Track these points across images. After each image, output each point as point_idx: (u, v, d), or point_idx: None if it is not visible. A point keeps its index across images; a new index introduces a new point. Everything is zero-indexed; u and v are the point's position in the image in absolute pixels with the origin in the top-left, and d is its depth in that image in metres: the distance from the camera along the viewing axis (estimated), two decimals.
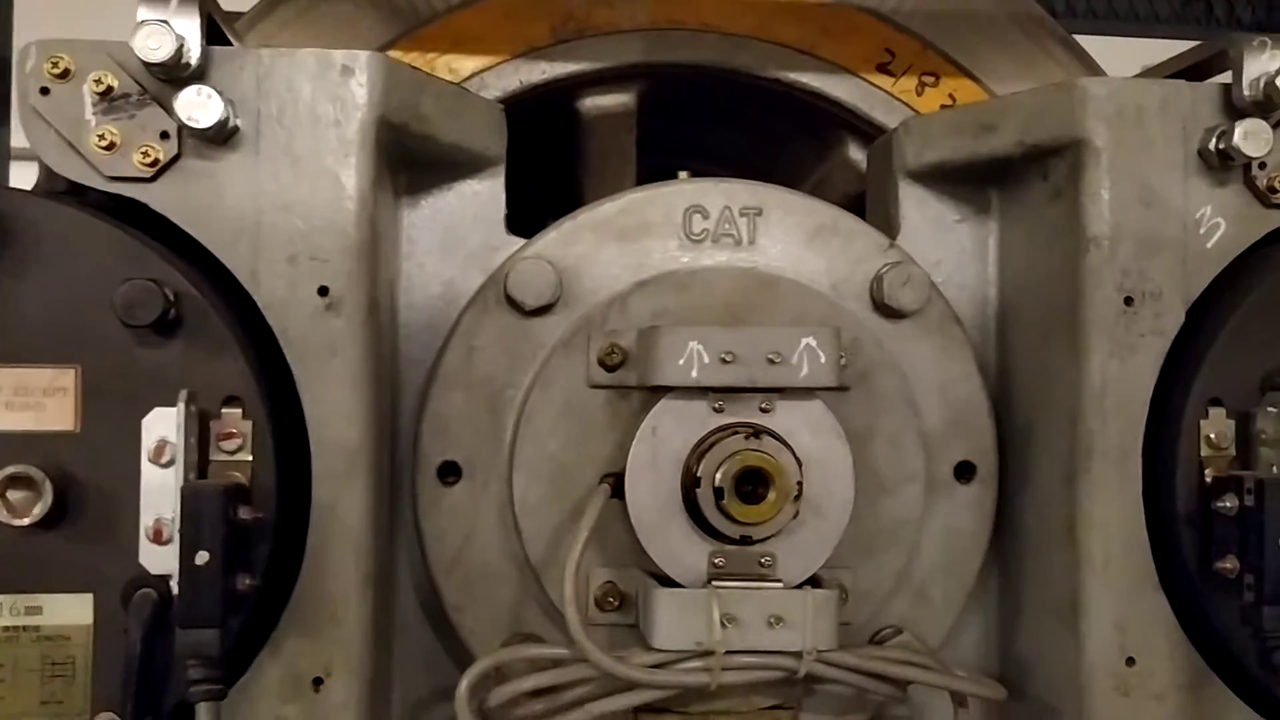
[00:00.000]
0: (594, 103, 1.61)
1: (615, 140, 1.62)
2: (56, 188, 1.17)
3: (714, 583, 1.13)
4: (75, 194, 1.14)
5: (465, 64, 1.50)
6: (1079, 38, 1.69)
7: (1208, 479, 1.16)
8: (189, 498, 0.98)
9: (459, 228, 1.31)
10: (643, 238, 1.28)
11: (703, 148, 1.86)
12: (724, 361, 1.12)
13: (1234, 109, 1.19)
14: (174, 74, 1.07)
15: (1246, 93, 1.17)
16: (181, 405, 1.01)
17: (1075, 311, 1.20)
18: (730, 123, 1.76)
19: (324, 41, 1.47)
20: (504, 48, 1.51)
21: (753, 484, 1.12)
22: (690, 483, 1.13)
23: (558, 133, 1.63)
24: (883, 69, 1.55)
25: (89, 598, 1.05)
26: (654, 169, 1.70)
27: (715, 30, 1.55)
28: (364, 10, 1.50)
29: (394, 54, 1.49)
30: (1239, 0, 2.02)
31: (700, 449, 1.14)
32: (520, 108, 1.52)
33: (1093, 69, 1.61)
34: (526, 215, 1.38)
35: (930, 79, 1.56)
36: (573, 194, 1.72)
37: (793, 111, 1.63)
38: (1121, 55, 1.79)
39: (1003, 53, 1.58)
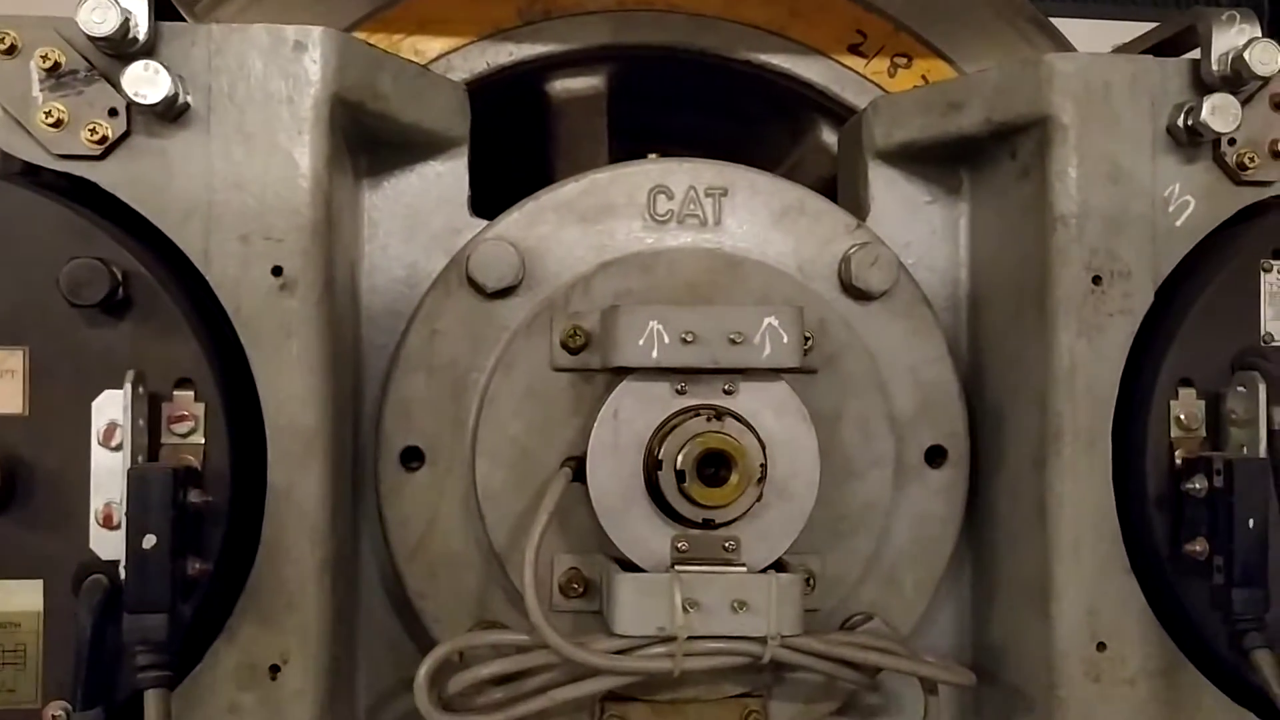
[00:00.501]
0: (563, 85, 1.59)
1: (586, 123, 1.60)
2: (11, 169, 1.15)
3: (677, 567, 1.11)
4: (30, 174, 1.13)
5: (431, 45, 1.48)
6: (1055, 20, 1.68)
7: (1178, 461, 1.14)
8: (135, 480, 0.96)
9: (422, 210, 1.29)
10: (606, 219, 1.26)
11: (676, 132, 1.84)
12: (685, 342, 1.10)
13: (1203, 84, 1.17)
14: (121, 49, 1.05)
15: (1215, 68, 1.16)
16: (128, 386, 0.99)
17: (1044, 291, 1.18)
18: (703, 106, 1.74)
19: (287, 18, 1.42)
20: (470, 29, 1.49)
21: (715, 467, 1.10)
22: (652, 465, 1.11)
23: (528, 116, 1.61)
24: (854, 50, 1.54)
25: (39, 584, 1.03)
26: (627, 152, 1.68)
27: (683, 11, 1.53)
28: None
29: (358, 35, 1.47)
30: None
31: (662, 431, 1.12)
32: (489, 91, 1.51)
33: (1067, 50, 1.60)
34: (498, 200, 1.36)
35: (903, 60, 1.54)
36: (544, 178, 1.70)
37: (765, 94, 1.61)
38: (1098, 37, 1.77)
39: (976, 34, 1.56)
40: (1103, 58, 1.21)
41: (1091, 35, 1.77)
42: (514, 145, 1.61)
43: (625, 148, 1.67)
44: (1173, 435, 1.15)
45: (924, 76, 1.54)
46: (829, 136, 1.62)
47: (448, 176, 1.30)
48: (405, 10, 1.48)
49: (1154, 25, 1.34)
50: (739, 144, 1.82)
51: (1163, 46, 1.26)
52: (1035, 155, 1.21)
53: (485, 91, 1.47)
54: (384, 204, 1.29)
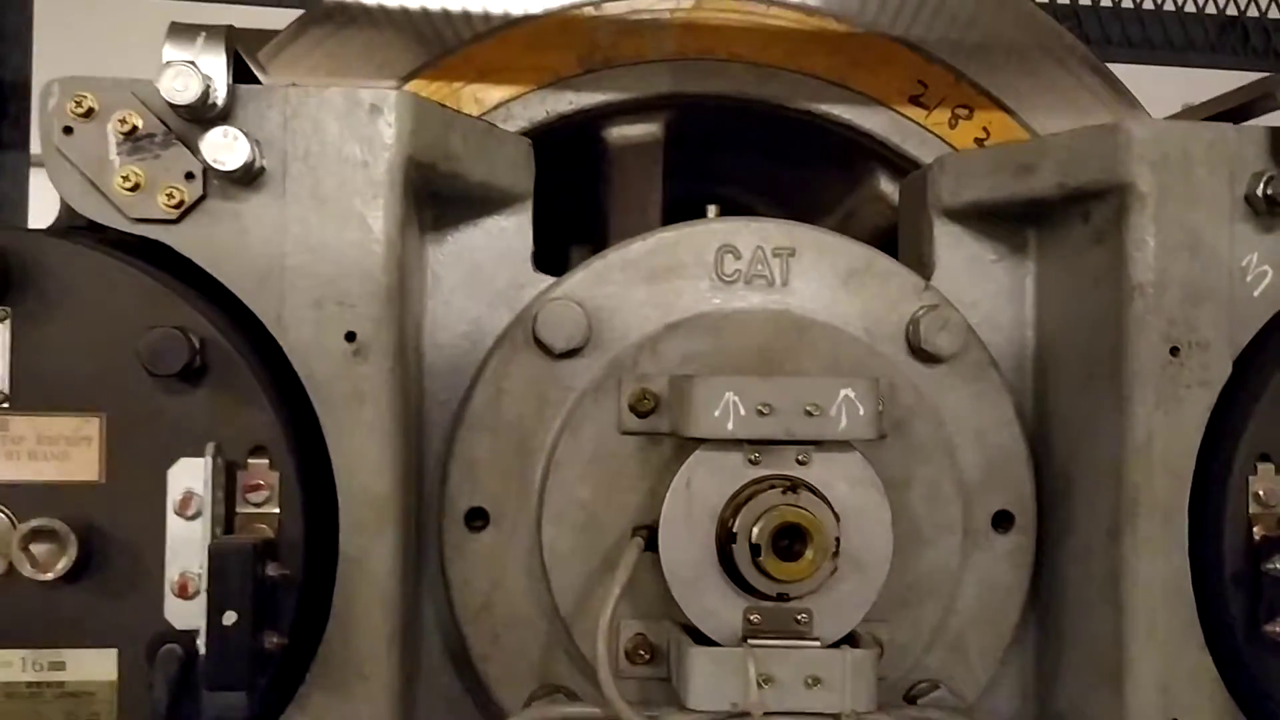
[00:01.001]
0: (621, 132, 1.58)
1: (642, 170, 1.60)
2: (77, 222, 1.15)
3: (749, 640, 1.10)
4: (95, 229, 1.12)
5: (491, 94, 1.48)
6: (1114, 66, 1.67)
7: (1256, 537, 1.13)
8: (217, 556, 0.96)
9: (485, 265, 1.28)
10: (673, 278, 1.25)
11: (729, 174, 1.83)
12: (761, 413, 1.09)
13: None
14: (200, 114, 1.04)
15: None
16: (209, 459, 0.99)
17: (1119, 360, 1.17)
18: (759, 151, 1.73)
19: (347, 71, 1.44)
20: (530, 78, 1.48)
21: (790, 539, 1.09)
22: (725, 538, 1.10)
23: (583, 160, 1.61)
24: (915, 101, 1.53)
25: (113, 653, 1.02)
26: (679, 195, 1.68)
27: (743, 60, 1.52)
28: (387, 39, 1.47)
29: (419, 83, 1.47)
30: (1275, 28, 2.00)
31: (736, 502, 1.11)
32: (546, 137, 1.50)
33: (1128, 99, 1.59)
34: (549, 244, 1.35)
35: (964, 111, 1.53)
36: (597, 222, 1.70)
37: (822, 142, 1.60)
38: (1157, 84, 1.76)
39: (1037, 84, 1.55)
40: (1180, 125, 1.19)
41: (1153, 82, 1.76)
42: (568, 190, 1.61)
43: (676, 189, 1.67)
44: (1251, 511, 1.14)
45: (985, 128, 1.53)
46: (886, 186, 1.61)
47: (511, 231, 1.29)
48: (465, 58, 1.47)
49: (1208, 71, 1.33)
50: (792, 188, 1.83)
51: (1236, 111, 1.24)
52: (1111, 221, 1.19)
53: (543, 138, 1.47)
54: (447, 259, 1.28)
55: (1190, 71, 1.96)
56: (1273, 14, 2.00)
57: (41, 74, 1.72)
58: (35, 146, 1.66)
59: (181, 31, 1.04)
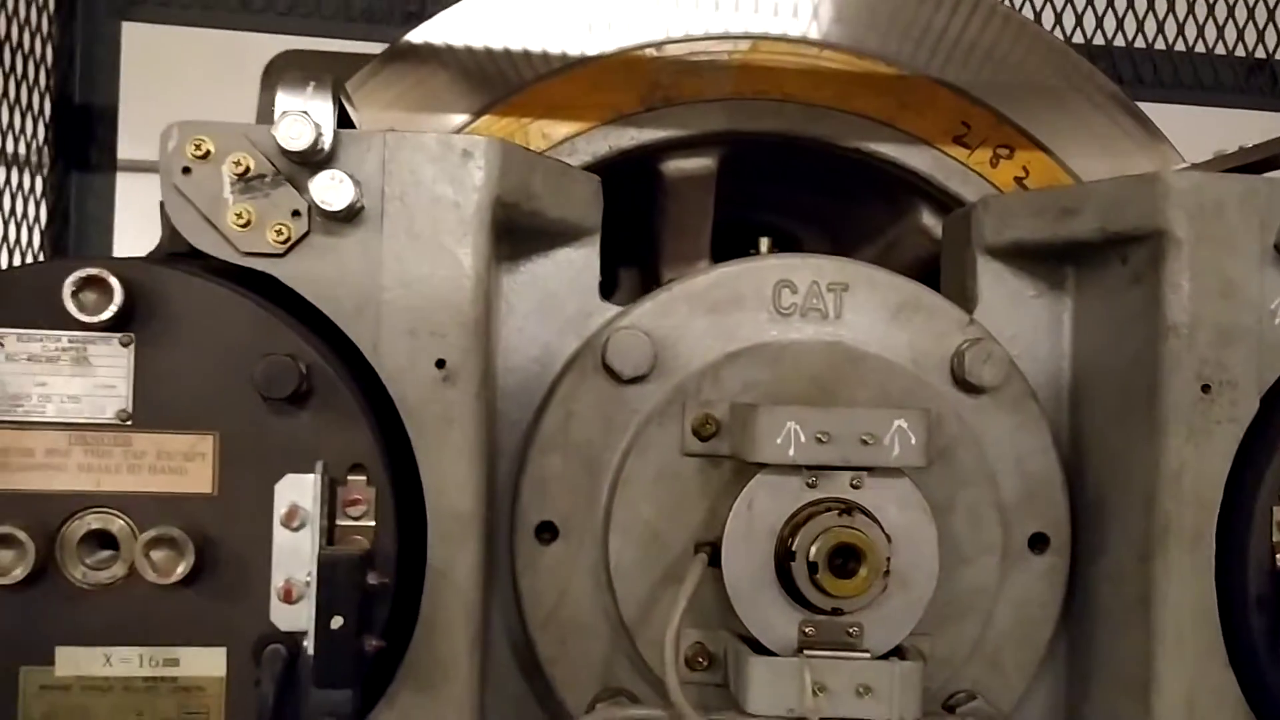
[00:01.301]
0: (677, 165, 1.67)
1: (695, 200, 1.68)
2: (177, 249, 1.24)
3: (804, 651, 1.18)
4: (194, 257, 1.21)
5: (558, 129, 1.56)
6: (1147, 105, 1.75)
7: (1279, 564, 1.21)
8: (327, 565, 1.05)
9: (556, 294, 1.36)
10: (734, 310, 1.34)
11: (775, 203, 1.92)
12: (819, 441, 1.18)
13: None
14: (308, 158, 1.13)
15: None
16: (318, 476, 1.08)
17: (1154, 395, 1.25)
18: (807, 183, 1.81)
19: (425, 105, 1.54)
20: (594, 114, 1.57)
21: (844, 558, 1.17)
22: (784, 555, 1.18)
23: (640, 191, 1.69)
24: (959, 141, 1.61)
25: (223, 652, 1.12)
26: (728, 220, 1.77)
27: (796, 100, 1.60)
28: (461, 76, 1.56)
29: (490, 118, 1.55)
30: None
31: (794, 522, 1.19)
32: (607, 169, 1.59)
33: (1159, 138, 1.66)
34: (606, 268, 1.44)
35: (1005, 151, 1.61)
36: (648, 246, 1.79)
37: (868, 177, 1.68)
38: (1188, 123, 1.84)
39: (1073, 125, 1.63)
40: (1215, 176, 1.27)
41: (1177, 121, 1.84)
42: (621, 217, 1.69)
43: (725, 215, 1.76)
44: (1275, 540, 1.22)
45: (1025, 168, 1.61)
46: (929, 219, 1.69)
47: (580, 263, 1.38)
48: (533, 96, 1.56)
49: (1236, 111, 1.41)
50: (837, 218, 1.91)
51: (1266, 162, 1.32)
52: (1148, 264, 1.27)
53: (605, 170, 1.56)
54: (520, 287, 1.36)
55: (1220, 111, 2.04)
56: None
57: (127, 101, 1.83)
58: (124, 151, 1.78)
59: (293, 81, 1.13)
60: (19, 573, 1.08)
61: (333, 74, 1.23)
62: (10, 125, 1.70)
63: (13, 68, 1.69)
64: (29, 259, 1.75)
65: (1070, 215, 1.34)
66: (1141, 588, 1.26)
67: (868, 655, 1.19)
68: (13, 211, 1.70)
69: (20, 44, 1.70)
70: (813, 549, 1.16)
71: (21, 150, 1.70)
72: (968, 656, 1.33)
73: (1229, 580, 1.23)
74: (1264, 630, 1.21)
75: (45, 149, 1.74)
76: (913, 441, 1.18)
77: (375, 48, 1.95)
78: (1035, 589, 1.35)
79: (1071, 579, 1.36)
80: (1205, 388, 1.24)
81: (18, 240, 1.73)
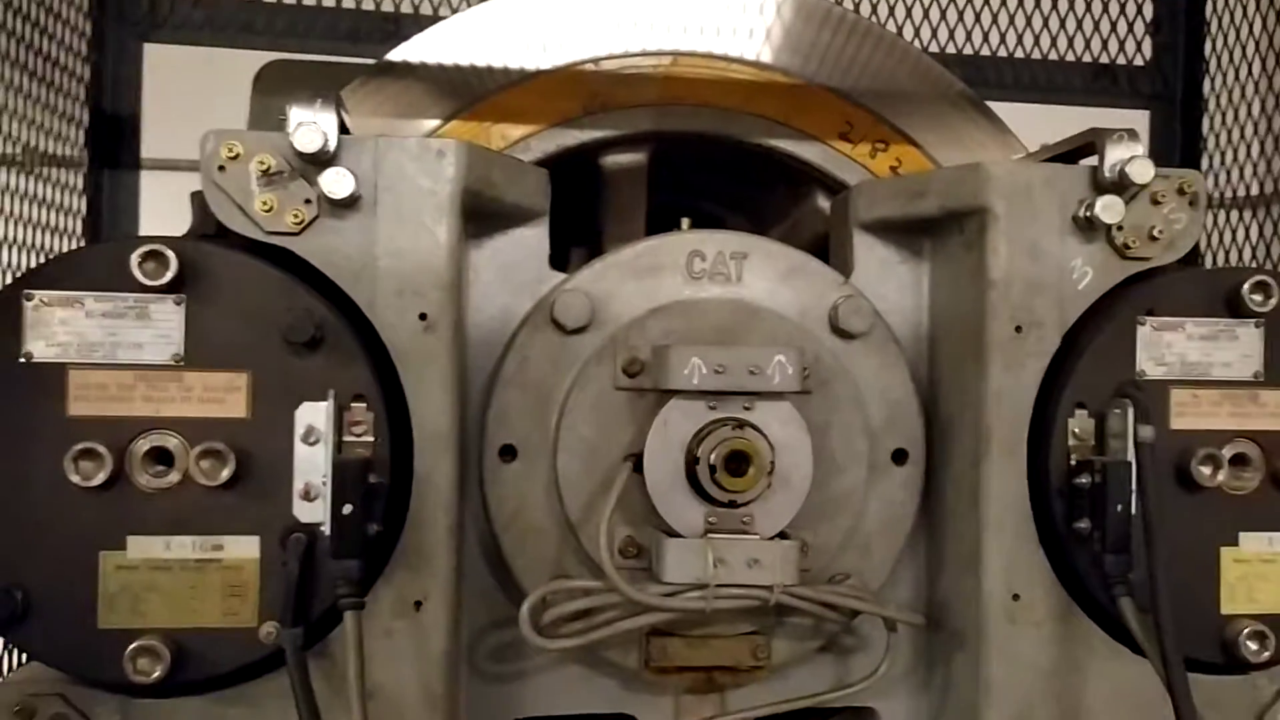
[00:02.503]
0: (614, 160, 2.00)
1: (630, 189, 2.01)
2: (207, 230, 1.56)
3: (708, 535, 1.52)
4: (221, 236, 1.53)
5: (514, 131, 1.89)
6: (1004, 105, 2.10)
7: (1072, 462, 1.55)
8: (340, 466, 1.38)
9: (514, 264, 1.67)
10: (656, 275, 1.66)
11: (702, 190, 2.26)
12: (717, 372, 1.51)
13: (1098, 186, 1.58)
14: (317, 158, 1.46)
15: (1107, 175, 1.56)
16: (329, 404, 1.41)
17: (980, 336, 1.58)
18: (724, 172, 2.15)
19: (405, 111, 1.86)
20: (544, 119, 1.90)
21: (738, 462, 1.51)
22: (691, 461, 1.52)
23: (584, 182, 2.03)
24: (843, 137, 1.95)
25: (256, 539, 1.43)
26: (662, 205, 2.10)
27: (710, 105, 1.94)
28: (431, 90, 1.89)
29: (457, 123, 1.88)
30: (1139, 75, 2.44)
31: (699, 436, 1.52)
32: (556, 164, 1.92)
33: (1006, 133, 2.02)
34: (556, 245, 1.76)
35: (881, 145, 1.96)
36: (593, 229, 2.12)
37: (773, 167, 2.02)
38: (1040, 121, 2.20)
39: (936, 123, 1.98)
40: (1025, 165, 1.63)
41: (1030, 119, 2.19)
42: (571, 205, 2.02)
43: (659, 199, 2.09)
44: (1070, 444, 1.55)
45: (898, 159, 1.95)
46: (822, 203, 2.03)
47: (533, 239, 1.69)
48: (493, 105, 1.89)
49: (1084, 109, 1.74)
50: (750, 202, 2.25)
51: (1071, 154, 1.67)
52: (977, 234, 1.61)
53: (554, 166, 1.88)
54: (484, 260, 1.67)
55: (1070, 109, 2.40)
56: (1138, 61, 2.45)
57: (149, 108, 2.15)
58: (146, 150, 2.10)
59: (304, 99, 1.46)
60: (101, 477, 1.40)
61: (316, 83, 1.55)
62: (53, 130, 2.02)
63: (54, 82, 2.01)
64: (71, 243, 2.07)
65: (920, 197, 1.68)
66: (973, 487, 1.60)
67: (758, 537, 1.53)
68: (59, 203, 2.02)
69: (61, 62, 2.02)
70: (713, 455, 1.50)
71: (65, 151, 2.02)
72: (843, 546, 1.67)
73: (1037, 477, 1.58)
74: (1063, 515, 1.56)
75: (83, 151, 2.06)
76: (789, 371, 1.52)
77: (356, 60, 2.30)
78: (897, 493, 1.70)
79: (926, 484, 1.71)
80: (1018, 329, 1.58)
81: (63, 227, 2.05)
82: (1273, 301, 1.58)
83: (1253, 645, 1.59)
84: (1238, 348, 1.60)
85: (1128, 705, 1.61)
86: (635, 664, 1.65)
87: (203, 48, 2.18)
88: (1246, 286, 1.58)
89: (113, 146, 2.14)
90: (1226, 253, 2.47)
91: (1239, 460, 1.61)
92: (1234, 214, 2.42)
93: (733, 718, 1.66)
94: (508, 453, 1.63)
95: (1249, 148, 2.39)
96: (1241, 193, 2.40)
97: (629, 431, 1.61)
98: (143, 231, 2.15)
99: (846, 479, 1.66)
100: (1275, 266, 2.39)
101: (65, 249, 2.06)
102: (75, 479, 1.39)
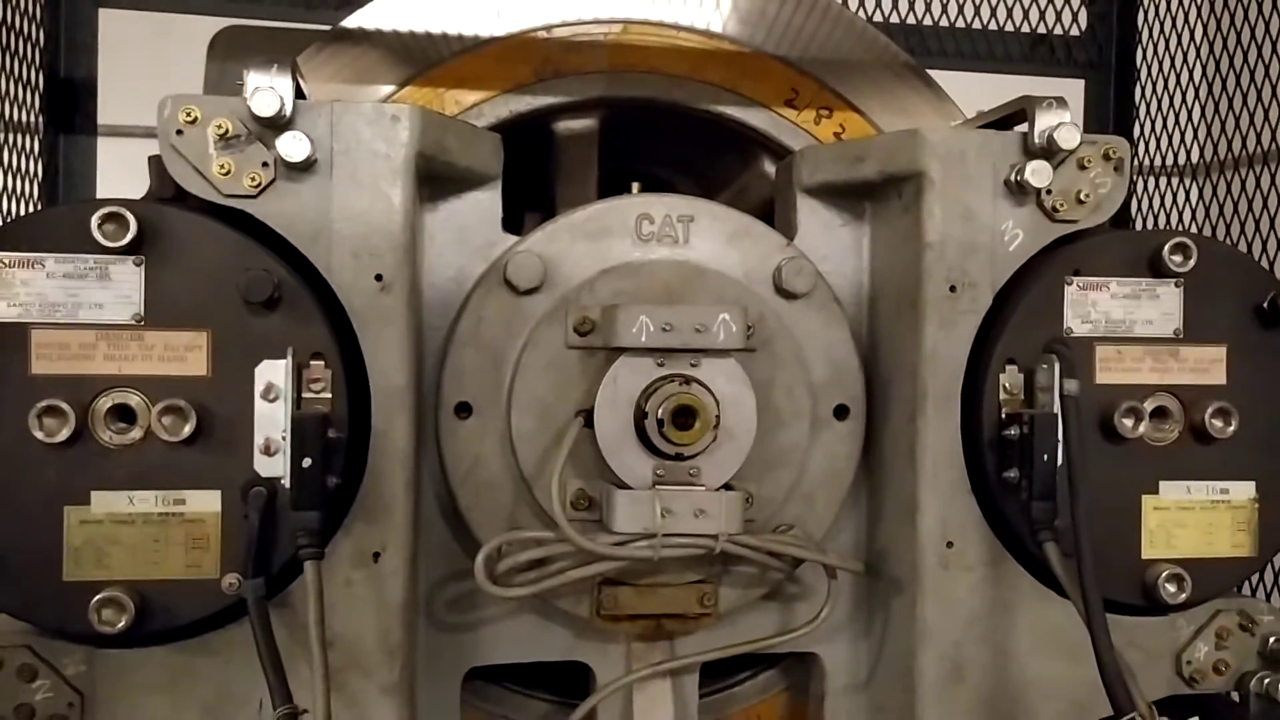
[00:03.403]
0: (566, 125, 2.04)
1: (582, 154, 2.06)
2: (164, 194, 1.59)
3: (656, 486, 1.59)
4: (179, 199, 1.57)
5: (467, 97, 1.93)
6: (945, 74, 2.17)
7: (1003, 415, 1.63)
8: (298, 421, 1.43)
9: (468, 227, 1.72)
10: (605, 237, 1.72)
11: (654, 155, 2.30)
12: (664, 330, 1.57)
13: (1029, 151, 1.65)
14: (274, 123, 1.49)
15: (1036, 141, 1.63)
16: (289, 360, 1.45)
17: (916, 295, 1.66)
18: (674, 138, 2.20)
19: (360, 78, 1.89)
20: (497, 85, 1.93)
21: (685, 417, 1.57)
22: (640, 416, 1.58)
23: (536, 147, 2.07)
24: (789, 103, 2.01)
25: (218, 493, 1.48)
26: (614, 170, 2.15)
27: (659, 72, 1.98)
28: (389, 54, 1.92)
29: (412, 88, 1.92)
30: (1075, 44, 2.51)
31: (647, 392, 1.58)
32: (510, 130, 1.96)
33: (946, 100, 2.08)
34: (510, 209, 1.81)
35: (825, 112, 2.02)
36: (546, 193, 2.16)
37: (722, 133, 2.07)
38: (979, 89, 2.26)
39: (878, 90, 2.04)
40: (959, 130, 1.69)
41: (965, 85, 2.26)
42: (525, 169, 2.07)
43: (611, 166, 2.14)
44: (1000, 398, 1.63)
45: (841, 125, 2.01)
46: (769, 167, 2.09)
47: (486, 203, 1.74)
48: (447, 70, 1.92)
49: (1022, 78, 1.80)
50: (700, 167, 2.31)
51: (1004, 120, 1.74)
52: (913, 198, 1.68)
53: (507, 131, 1.93)
54: (439, 223, 1.72)
55: (1008, 78, 2.47)
56: (1074, 31, 2.53)
57: (105, 74, 2.16)
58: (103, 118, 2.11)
59: (261, 64, 1.49)
60: (64, 434, 1.43)
61: (271, 49, 1.57)
62: (8, 94, 2.02)
63: (9, 46, 2.02)
64: (29, 207, 2.08)
65: (860, 162, 1.75)
66: (910, 440, 1.68)
67: (704, 488, 1.60)
68: (15, 167, 2.03)
69: (16, 27, 2.03)
70: (660, 410, 1.56)
71: (20, 116, 2.03)
72: (786, 497, 1.74)
73: (970, 429, 1.66)
74: (994, 466, 1.64)
75: (39, 116, 2.07)
76: (734, 329, 1.59)
77: (311, 26, 2.32)
78: (839, 447, 1.77)
79: (867, 438, 1.78)
80: (952, 288, 1.65)
81: (19, 191, 2.06)
82: (1191, 262, 1.66)
83: (1171, 588, 1.68)
84: (1159, 306, 1.68)
85: (1054, 646, 1.70)
86: (587, 613, 1.71)
87: (160, 13, 2.19)
88: (1167, 248, 1.66)
89: (69, 112, 2.15)
90: (1160, 217, 2.56)
91: (1159, 413, 1.69)
92: (1165, 181, 2.51)
93: (681, 662, 1.74)
94: (463, 410, 1.69)
95: (1178, 116, 2.47)
96: (1174, 160, 2.49)
97: (580, 388, 1.67)
98: (100, 196, 2.16)
99: (790, 433, 1.73)
100: (1209, 230, 2.48)
101: (23, 214, 2.07)
102: (39, 435, 1.43)
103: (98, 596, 1.45)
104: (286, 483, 1.46)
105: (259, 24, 2.37)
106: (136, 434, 1.47)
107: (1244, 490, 1.71)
